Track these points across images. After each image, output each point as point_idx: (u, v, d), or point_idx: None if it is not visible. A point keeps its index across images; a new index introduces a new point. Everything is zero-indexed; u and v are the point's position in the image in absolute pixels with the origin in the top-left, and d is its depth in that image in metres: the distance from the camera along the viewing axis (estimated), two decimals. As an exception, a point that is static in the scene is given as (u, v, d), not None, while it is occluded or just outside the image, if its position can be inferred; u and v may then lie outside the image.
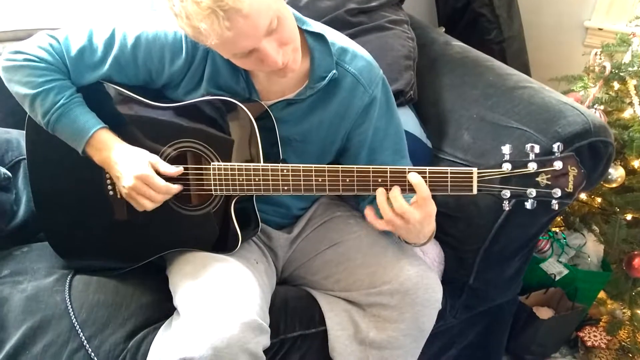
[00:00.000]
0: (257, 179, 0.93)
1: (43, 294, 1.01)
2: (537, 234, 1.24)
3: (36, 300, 1.00)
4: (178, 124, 0.98)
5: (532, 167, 0.85)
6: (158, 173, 0.93)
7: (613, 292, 1.60)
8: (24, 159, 1.18)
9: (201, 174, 0.97)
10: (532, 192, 0.86)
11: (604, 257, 1.62)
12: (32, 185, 1.09)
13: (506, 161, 0.86)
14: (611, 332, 1.60)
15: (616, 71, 1.45)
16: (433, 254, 1.25)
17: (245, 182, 0.94)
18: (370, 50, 1.08)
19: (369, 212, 0.91)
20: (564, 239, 1.62)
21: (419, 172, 0.88)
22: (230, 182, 0.94)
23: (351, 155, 1.08)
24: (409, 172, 0.88)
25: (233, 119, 0.95)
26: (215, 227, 1.00)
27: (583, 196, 1.57)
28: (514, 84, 1.27)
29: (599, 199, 1.56)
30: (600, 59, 1.51)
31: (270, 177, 0.93)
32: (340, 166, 0.91)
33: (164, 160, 0.97)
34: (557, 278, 1.58)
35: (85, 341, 0.96)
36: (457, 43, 1.52)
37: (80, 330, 0.96)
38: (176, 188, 0.95)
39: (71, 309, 0.99)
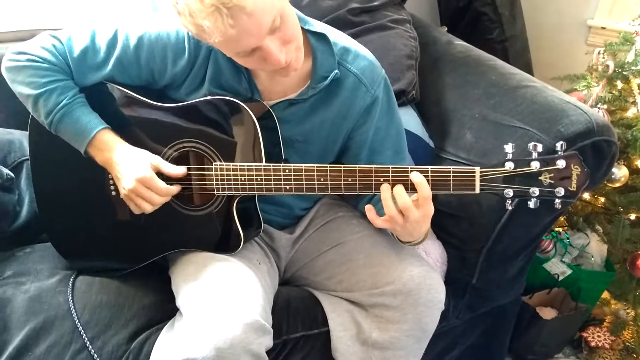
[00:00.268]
0: (259, 179, 0.93)
1: (46, 295, 1.01)
2: (540, 233, 1.24)
3: (39, 301, 1.00)
4: (180, 124, 0.98)
5: (535, 166, 0.84)
6: (161, 174, 0.93)
7: (617, 292, 1.59)
8: (27, 159, 1.18)
9: (203, 174, 0.96)
10: (535, 191, 0.85)
11: (608, 257, 1.62)
12: (35, 186, 1.09)
13: (509, 160, 0.85)
14: (615, 333, 1.60)
15: (619, 70, 1.44)
16: (436, 254, 1.25)
17: (247, 182, 0.94)
18: (373, 50, 1.08)
19: (370, 209, 0.91)
20: (567, 238, 1.62)
21: (422, 172, 0.87)
22: (232, 182, 0.94)
23: (352, 155, 1.07)
24: (411, 171, 0.88)
25: (235, 119, 0.95)
26: (218, 227, 1.00)
27: (586, 196, 1.56)
28: (516, 83, 1.26)
29: (602, 199, 1.55)
30: (604, 57, 1.50)
31: (272, 177, 0.93)
32: (342, 165, 0.91)
33: (167, 159, 0.97)
34: (561, 278, 1.58)
35: (88, 342, 0.96)
36: (459, 42, 1.52)
37: (83, 331, 0.97)
38: (176, 189, 0.95)
39: (74, 310, 0.99)
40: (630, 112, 1.43)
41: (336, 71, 0.99)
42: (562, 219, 1.67)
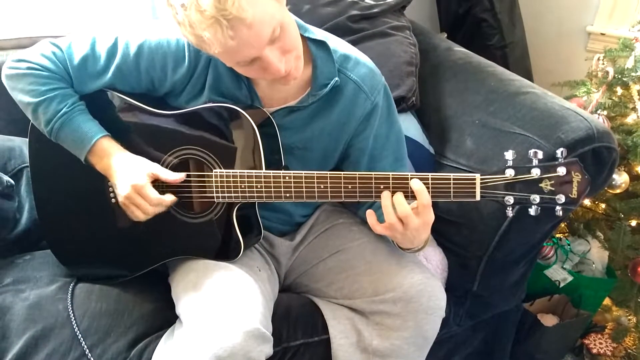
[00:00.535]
0: (259, 186, 0.93)
1: (45, 302, 1.01)
2: (541, 240, 1.24)
3: (38, 309, 1.00)
4: (180, 131, 0.98)
5: (536, 173, 0.84)
6: (159, 181, 0.93)
7: (618, 299, 1.59)
8: (27, 166, 1.18)
9: (203, 181, 0.96)
10: (536, 198, 0.85)
11: (609, 264, 1.61)
12: (35, 193, 1.09)
13: (509, 167, 0.85)
14: (617, 339, 1.59)
15: (619, 76, 1.44)
16: (436, 260, 1.25)
17: (247, 189, 0.94)
18: (372, 57, 1.08)
19: (370, 215, 0.91)
20: (568, 245, 1.61)
21: (422, 179, 0.87)
22: (232, 189, 0.94)
23: (352, 162, 1.07)
24: (411, 178, 0.87)
25: (235, 126, 0.95)
26: (218, 234, 1.00)
27: (587, 202, 1.56)
28: (516, 89, 1.27)
29: (603, 205, 1.55)
30: (603, 64, 1.51)
31: (272, 184, 0.93)
32: (342, 173, 0.91)
33: (167, 167, 0.97)
34: (562, 285, 1.57)
35: (87, 350, 0.95)
36: (459, 49, 1.52)
37: (82, 338, 0.96)
38: (170, 200, 0.94)
39: (73, 318, 0.98)
40: (630, 119, 1.43)
41: (336, 78, 0.99)
42: (563, 226, 1.67)
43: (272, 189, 0.93)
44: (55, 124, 0.94)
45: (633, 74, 1.42)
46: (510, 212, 0.87)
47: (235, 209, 0.97)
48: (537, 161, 0.84)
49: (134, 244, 1.04)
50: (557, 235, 1.67)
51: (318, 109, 1.01)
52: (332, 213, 1.19)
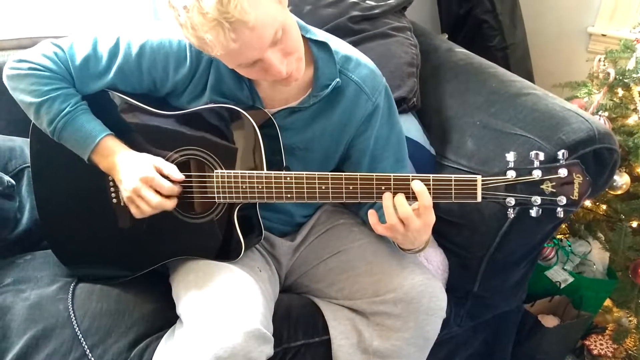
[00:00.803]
0: (260, 187, 0.93)
1: (46, 303, 1.01)
2: (542, 241, 1.24)
3: (39, 309, 1.00)
4: (182, 131, 0.98)
5: (537, 174, 0.84)
6: (161, 174, 0.93)
7: (619, 300, 1.58)
8: (28, 166, 1.18)
9: (204, 182, 0.96)
10: (537, 199, 0.85)
11: (610, 265, 1.61)
12: (36, 193, 1.09)
13: (510, 168, 0.85)
14: (617, 341, 1.59)
15: (620, 77, 1.44)
16: (437, 261, 1.24)
17: (248, 190, 0.94)
18: (373, 58, 1.08)
19: (372, 215, 0.91)
20: (569, 246, 1.61)
21: (423, 180, 0.87)
22: (233, 190, 0.94)
23: (353, 163, 1.07)
24: (412, 179, 0.87)
25: (236, 126, 0.95)
26: (219, 234, 1.00)
27: (588, 203, 1.56)
28: (517, 90, 1.27)
29: (604, 206, 1.55)
30: (604, 65, 1.51)
31: (273, 185, 0.93)
32: (343, 174, 0.91)
33: (168, 167, 0.97)
34: (563, 286, 1.57)
35: (88, 350, 0.95)
36: (460, 50, 1.52)
37: (82, 339, 0.96)
38: (178, 188, 0.94)
39: (74, 318, 0.98)
40: (632, 120, 1.43)
41: (337, 79, 0.99)
42: (564, 227, 1.67)
43: (273, 190, 0.93)
44: (59, 124, 0.94)
45: (634, 75, 1.42)
46: (511, 214, 0.88)
47: (237, 209, 0.97)
48: (538, 163, 0.84)
49: (134, 244, 1.04)
50: (558, 236, 1.67)
51: (319, 110, 1.01)
52: (333, 214, 1.19)
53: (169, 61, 0.96)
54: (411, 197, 0.88)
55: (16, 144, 1.24)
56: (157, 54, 0.95)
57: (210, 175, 0.95)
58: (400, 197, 0.87)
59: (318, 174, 0.91)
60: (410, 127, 1.37)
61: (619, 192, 1.41)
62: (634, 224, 1.47)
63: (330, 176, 0.91)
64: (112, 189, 1.01)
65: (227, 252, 0.99)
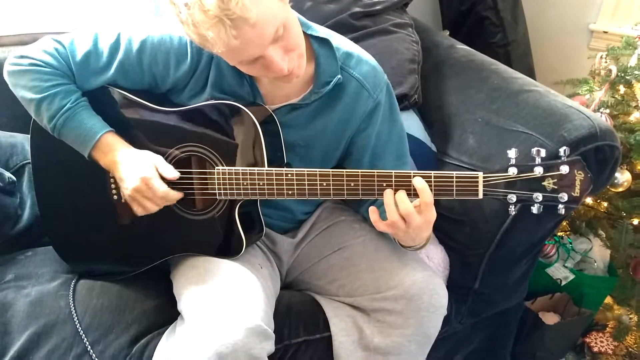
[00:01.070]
0: (261, 183, 0.93)
1: (47, 299, 1.01)
2: (543, 238, 1.24)
3: (40, 305, 1.00)
4: (182, 128, 0.98)
5: (539, 171, 0.84)
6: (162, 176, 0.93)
7: (620, 298, 1.59)
8: (29, 163, 1.18)
9: (205, 178, 0.96)
10: (539, 196, 0.85)
11: (611, 262, 1.61)
12: (37, 190, 1.09)
13: (512, 165, 0.85)
14: (618, 338, 1.59)
15: (622, 74, 1.44)
16: (438, 258, 1.24)
17: (249, 187, 0.94)
18: (375, 54, 1.08)
19: (373, 211, 0.90)
20: (570, 243, 1.61)
21: (424, 177, 0.87)
22: (234, 187, 0.94)
23: (354, 160, 1.07)
24: (414, 176, 0.87)
25: (237, 123, 0.95)
26: (220, 231, 1.00)
27: (589, 200, 1.55)
28: (519, 87, 1.26)
29: (605, 204, 1.54)
30: (606, 62, 1.50)
31: (274, 182, 0.92)
32: (344, 170, 0.91)
33: (169, 163, 0.97)
34: (563, 283, 1.57)
35: (89, 346, 0.95)
36: (461, 46, 1.52)
37: (84, 335, 0.96)
38: (176, 195, 0.93)
39: (75, 314, 0.98)
40: (633, 117, 1.43)
41: (339, 76, 0.98)
42: (565, 224, 1.67)
43: (275, 187, 0.93)
44: (59, 120, 0.93)
45: (636, 72, 1.41)
46: (512, 211, 0.87)
47: (238, 206, 0.97)
48: (539, 159, 0.84)
49: (135, 241, 1.04)
50: (559, 234, 1.66)
51: (320, 107, 1.01)
52: (334, 210, 1.19)
53: (169, 57, 0.96)
54: (412, 193, 0.88)
55: (17, 140, 1.24)
56: (157, 50, 0.95)
57: (211, 171, 0.95)
58: (402, 194, 0.87)
59: (319, 171, 0.91)
60: (412, 124, 1.37)
61: (620, 189, 1.41)
62: (635, 222, 1.46)
63: (331, 173, 0.91)
64: (112, 186, 1.01)
65: (228, 248, 0.99)
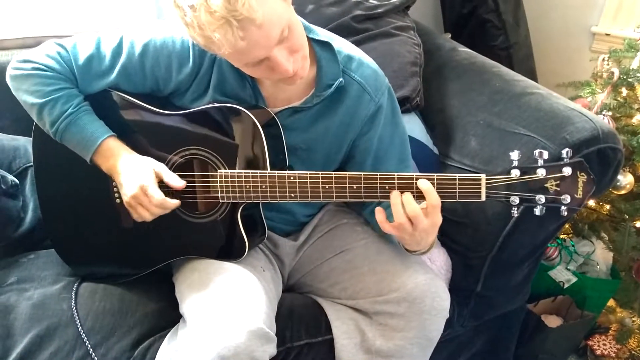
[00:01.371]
0: (263, 187, 0.93)
1: (49, 302, 1.01)
2: (546, 241, 1.23)
3: (42, 308, 1.00)
4: (185, 131, 0.98)
5: (541, 173, 0.84)
6: (163, 183, 0.93)
7: (622, 300, 1.58)
8: (32, 166, 1.18)
9: (208, 182, 0.96)
10: (541, 198, 0.85)
11: (613, 265, 1.61)
12: (39, 193, 1.09)
13: (514, 167, 0.85)
14: (621, 341, 1.58)
15: (624, 77, 1.44)
16: (440, 261, 1.24)
17: (252, 190, 0.94)
18: (377, 57, 1.08)
19: (380, 212, 0.90)
20: (573, 246, 1.61)
21: (427, 179, 0.87)
22: (237, 190, 0.94)
23: (356, 163, 1.07)
24: (417, 179, 0.87)
25: (239, 126, 0.95)
26: (222, 234, 1.00)
27: (592, 203, 1.55)
28: (521, 90, 1.26)
29: (607, 206, 1.54)
30: (608, 64, 1.50)
31: (277, 185, 0.92)
32: (347, 173, 0.91)
33: (171, 167, 0.97)
34: (566, 286, 1.57)
35: (91, 349, 0.95)
36: (463, 49, 1.52)
37: (86, 338, 0.96)
38: (173, 203, 0.92)
39: (77, 317, 0.98)
40: (635, 119, 1.43)
41: (340, 79, 0.98)
42: (568, 226, 1.67)
43: (277, 190, 0.93)
44: (61, 125, 0.94)
45: (638, 74, 1.41)
46: (515, 213, 0.87)
47: (240, 209, 0.97)
48: (542, 161, 0.84)
49: (138, 244, 1.04)
50: (562, 236, 1.66)
51: (322, 110, 1.01)
52: (336, 213, 1.19)
53: (172, 60, 0.96)
54: (415, 196, 0.88)
55: (20, 143, 1.24)
56: (160, 53, 0.95)
57: (213, 175, 0.95)
58: (408, 196, 0.87)
59: (322, 174, 0.91)
60: (414, 126, 1.37)
61: (623, 191, 1.40)
62: (638, 224, 1.46)
63: (334, 176, 0.91)
64: (115, 189, 1.01)
65: (230, 251, 0.99)
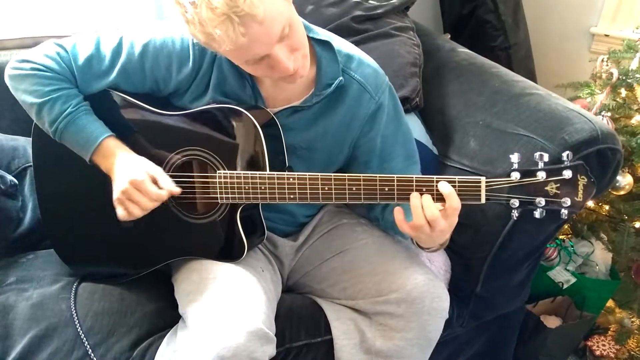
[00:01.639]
0: (263, 187, 0.93)
1: (48, 302, 1.01)
2: (545, 241, 1.23)
3: (41, 308, 1.00)
4: (184, 131, 0.98)
5: (541, 176, 0.84)
6: (157, 185, 0.92)
7: (622, 301, 1.59)
8: (31, 166, 1.18)
9: (207, 182, 0.96)
10: (541, 201, 0.85)
11: (612, 265, 1.61)
12: (38, 193, 1.09)
13: (515, 170, 0.85)
14: (620, 341, 1.59)
15: (623, 78, 1.44)
16: (440, 262, 1.24)
17: (251, 191, 0.94)
18: (376, 57, 1.08)
19: (398, 212, 0.89)
20: (572, 246, 1.61)
21: (427, 181, 0.87)
22: (236, 190, 0.94)
23: (361, 163, 1.07)
24: (416, 180, 0.87)
25: (239, 126, 0.95)
26: (221, 235, 1.00)
27: (591, 204, 1.55)
28: (520, 90, 1.26)
29: (606, 207, 1.55)
30: (607, 65, 1.50)
31: (276, 186, 0.92)
32: (346, 175, 0.91)
33: (171, 167, 0.97)
34: (565, 286, 1.57)
35: (90, 349, 0.95)
36: (462, 50, 1.52)
37: (85, 338, 0.96)
38: (167, 192, 0.91)
39: (76, 317, 0.98)
40: (635, 120, 1.43)
41: (340, 78, 0.99)
42: (567, 227, 1.67)
43: (276, 191, 0.93)
44: (60, 125, 0.94)
45: (637, 75, 1.41)
46: (515, 215, 0.87)
47: (239, 209, 0.97)
48: (542, 164, 0.84)
49: (137, 244, 1.04)
50: (561, 237, 1.66)
51: (322, 109, 1.01)
52: (335, 213, 1.19)
53: (172, 60, 0.96)
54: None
55: (19, 143, 1.24)
56: (160, 53, 0.95)
57: (212, 175, 0.95)
58: (428, 198, 0.86)
59: (321, 175, 0.91)
60: (413, 127, 1.36)
61: (622, 192, 1.41)
62: (637, 225, 1.46)
63: (333, 177, 0.91)
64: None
65: (229, 252, 0.99)
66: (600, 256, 1.61)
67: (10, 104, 1.05)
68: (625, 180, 1.39)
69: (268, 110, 0.99)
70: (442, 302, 0.99)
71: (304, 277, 1.14)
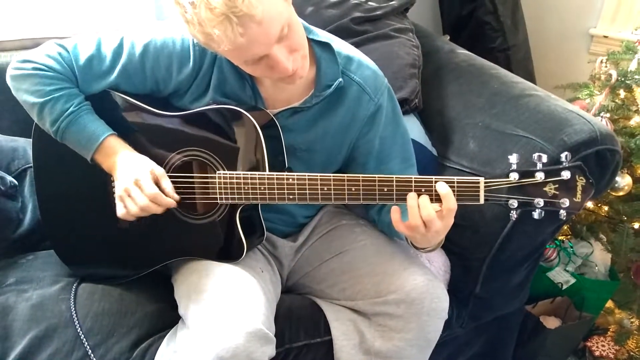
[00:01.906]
0: (262, 188, 0.93)
1: (48, 303, 1.01)
2: (544, 242, 1.24)
3: (41, 309, 1.00)
4: (184, 132, 0.98)
5: (540, 177, 0.84)
6: (158, 185, 0.92)
7: (621, 302, 1.59)
8: (31, 167, 1.18)
9: (207, 183, 0.96)
10: (540, 202, 0.85)
11: (612, 266, 1.61)
12: (38, 194, 1.09)
13: (513, 171, 0.85)
14: (619, 342, 1.59)
15: (622, 79, 1.44)
16: (439, 262, 1.24)
17: (250, 191, 0.94)
18: (376, 59, 1.08)
19: (395, 212, 0.89)
20: (571, 247, 1.61)
21: (425, 182, 0.87)
22: (235, 191, 0.94)
23: (359, 165, 1.07)
24: (416, 181, 0.88)
25: (239, 127, 0.95)
26: (221, 235, 1.00)
27: (590, 204, 1.56)
28: (519, 92, 1.27)
29: (606, 208, 1.55)
30: (606, 66, 1.51)
31: (275, 186, 0.93)
32: (345, 175, 0.91)
33: (170, 167, 0.97)
34: (564, 287, 1.57)
35: (90, 350, 0.95)
36: (462, 51, 1.52)
37: (84, 339, 0.96)
38: (167, 201, 0.91)
39: (76, 318, 0.98)
40: (633, 121, 1.43)
41: (340, 79, 0.99)
42: (566, 228, 1.67)
43: (276, 191, 0.93)
44: (62, 124, 0.94)
45: (636, 76, 1.42)
46: (514, 216, 0.87)
47: (239, 210, 0.97)
48: (541, 165, 0.84)
49: (137, 245, 1.04)
50: (560, 238, 1.66)
51: (321, 110, 1.02)
52: (335, 214, 1.19)
53: (172, 61, 0.96)
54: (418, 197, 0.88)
55: (19, 144, 1.24)
56: (160, 53, 0.95)
57: (212, 176, 0.96)
58: (425, 199, 0.87)
59: (320, 176, 0.91)
60: (412, 128, 1.37)
61: (621, 193, 1.41)
62: (636, 225, 1.47)
63: (332, 178, 0.91)
64: (114, 190, 1.01)
65: (229, 252, 0.99)
66: (599, 257, 1.61)
67: (10, 105, 1.06)
68: (624, 181, 1.39)
69: (268, 111, 0.99)
70: (441, 302, 0.99)
71: (304, 278, 1.14)
